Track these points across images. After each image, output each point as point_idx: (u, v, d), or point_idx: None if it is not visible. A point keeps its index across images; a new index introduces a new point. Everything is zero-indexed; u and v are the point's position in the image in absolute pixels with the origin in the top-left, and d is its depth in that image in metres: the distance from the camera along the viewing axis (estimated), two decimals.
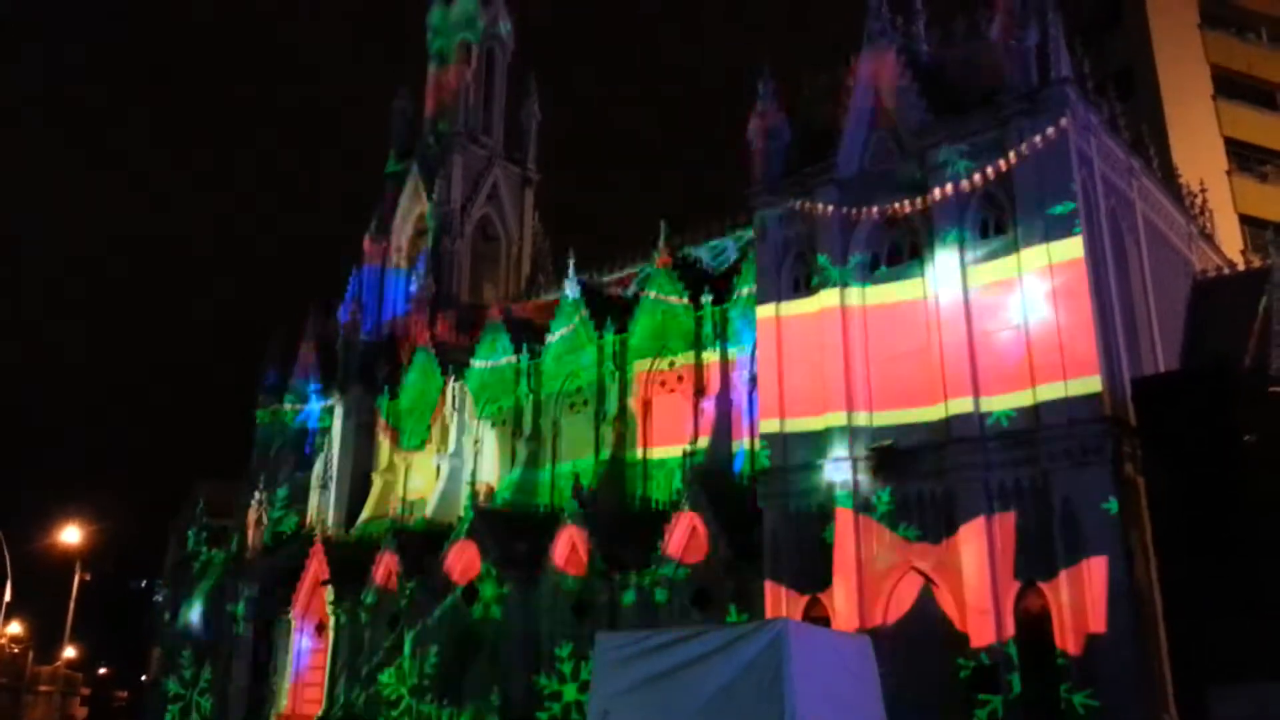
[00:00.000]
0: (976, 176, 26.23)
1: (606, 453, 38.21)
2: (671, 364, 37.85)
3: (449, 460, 44.23)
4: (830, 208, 28.58)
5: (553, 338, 41.76)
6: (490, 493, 38.84)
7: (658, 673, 12.82)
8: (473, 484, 40.32)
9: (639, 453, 37.99)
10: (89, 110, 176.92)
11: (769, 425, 28.58)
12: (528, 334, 43.74)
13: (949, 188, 26.48)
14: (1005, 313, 25.03)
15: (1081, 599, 22.30)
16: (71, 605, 51.03)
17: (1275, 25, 48.23)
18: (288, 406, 51.32)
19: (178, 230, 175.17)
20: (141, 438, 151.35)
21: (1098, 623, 21.97)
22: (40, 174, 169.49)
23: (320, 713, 39.14)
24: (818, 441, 27.23)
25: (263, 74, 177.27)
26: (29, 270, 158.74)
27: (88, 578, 53.78)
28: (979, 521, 23.92)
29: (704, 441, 35.04)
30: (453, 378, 45.25)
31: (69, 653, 59.68)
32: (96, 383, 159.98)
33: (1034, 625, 23.13)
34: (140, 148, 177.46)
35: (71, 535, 47.19)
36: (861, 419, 26.68)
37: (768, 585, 27.15)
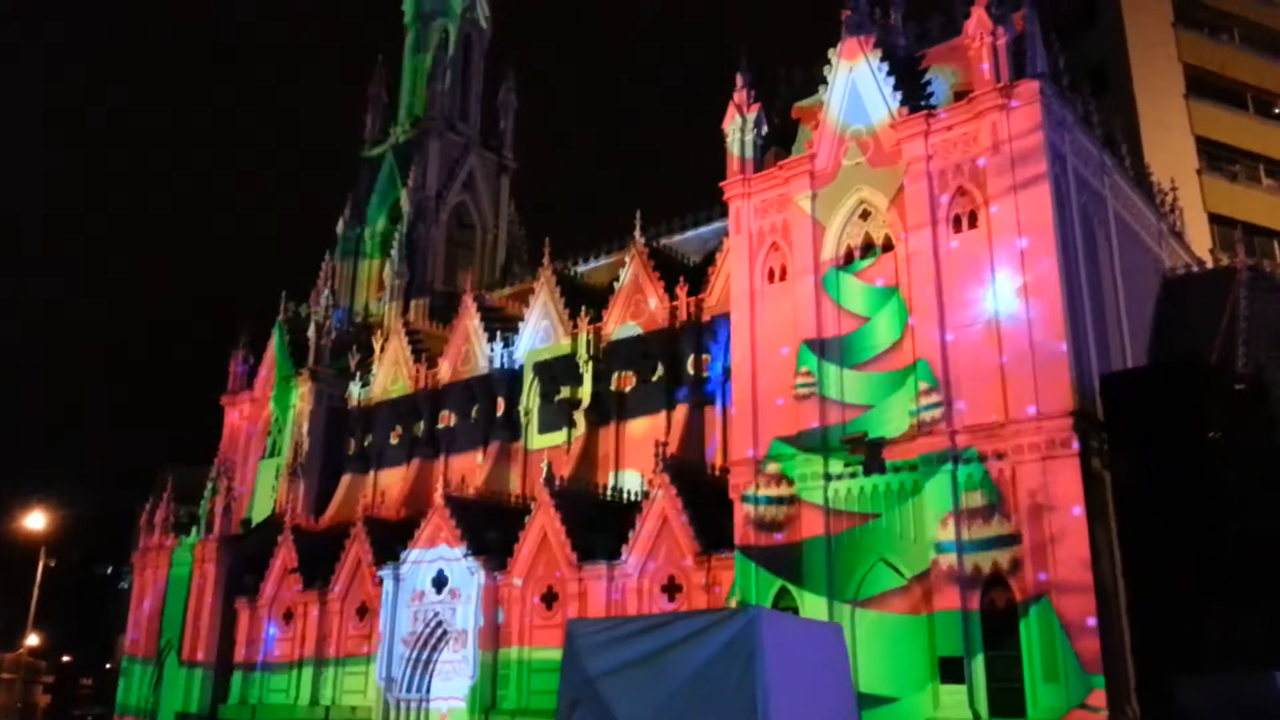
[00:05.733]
0: (950, 171, 26.40)
1: (579, 442, 38.14)
2: (646, 353, 37.80)
3: (421, 448, 44.04)
4: (805, 200, 28.66)
5: (527, 326, 41.63)
6: (462, 481, 38.62)
7: (628, 660, 12.71)
8: (445, 472, 40.14)
9: (612, 442, 37.93)
10: (68, 90, 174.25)
11: (741, 415, 28.62)
12: (502, 322, 43.58)
13: (923, 182, 26.61)
14: (976, 306, 25.16)
15: (1047, 592, 22.48)
16: (35, 592, 50.39)
17: (1248, 26, 48.77)
18: (258, 392, 50.82)
19: (145, 212, 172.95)
20: (109, 422, 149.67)
21: (1063, 615, 22.16)
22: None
23: (287, 701, 38.93)
24: (789, 432, 27.32)
25: (233, 54, 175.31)
26: None
27: (52, 564, 53.15)
28: (946, 513, 24.06)
29: (677, 431, 35.08)
30: (425, 365, 45.02)
31: (32, 640, 59.03)
32: (62, 367, 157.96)
33: (1000, 617, 23.32)
34: (104, 119, 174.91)
35: (36, 521, 46.65)
36: (833, 410, 26.75)
37: (738, 575, 27.24)
